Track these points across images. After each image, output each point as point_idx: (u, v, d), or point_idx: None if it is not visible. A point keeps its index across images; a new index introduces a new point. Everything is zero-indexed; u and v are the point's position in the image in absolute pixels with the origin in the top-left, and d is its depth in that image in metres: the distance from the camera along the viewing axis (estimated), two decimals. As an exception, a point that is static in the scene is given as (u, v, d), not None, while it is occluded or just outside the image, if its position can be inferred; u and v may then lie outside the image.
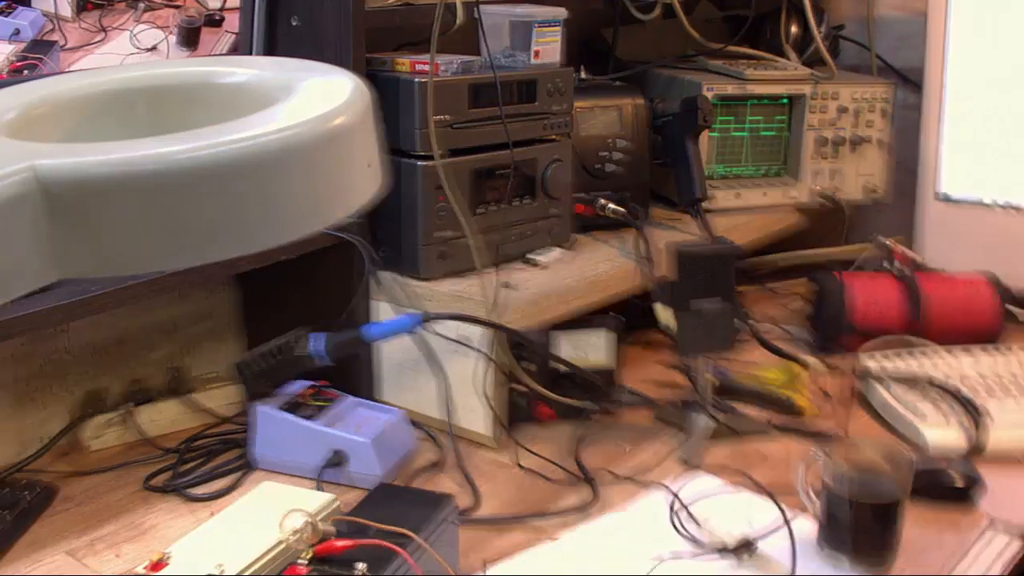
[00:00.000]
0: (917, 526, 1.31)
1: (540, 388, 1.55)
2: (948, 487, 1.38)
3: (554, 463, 1.48)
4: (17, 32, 1.32)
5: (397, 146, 1.52)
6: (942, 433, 1.51)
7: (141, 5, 1.43)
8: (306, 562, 1.01)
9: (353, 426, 1.44)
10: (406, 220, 1.56)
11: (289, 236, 0.73)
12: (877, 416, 1.64)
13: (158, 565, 1.01)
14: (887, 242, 1.97)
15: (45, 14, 1.34)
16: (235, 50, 1.54)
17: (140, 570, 1.00)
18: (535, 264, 1.66)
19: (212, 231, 0.69)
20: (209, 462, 1.49)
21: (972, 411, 1.53)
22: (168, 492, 1.41)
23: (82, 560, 1.26)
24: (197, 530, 1.09)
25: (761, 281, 2.16)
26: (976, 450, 1.48)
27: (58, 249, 0.66)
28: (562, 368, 1.57)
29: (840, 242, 2.11)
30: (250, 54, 1.53)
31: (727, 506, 1.35)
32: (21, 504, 1.34)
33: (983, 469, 1.41)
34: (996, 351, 1.72)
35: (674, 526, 1.29)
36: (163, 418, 1.56)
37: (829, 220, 2.13)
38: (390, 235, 1.58)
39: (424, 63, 1.50)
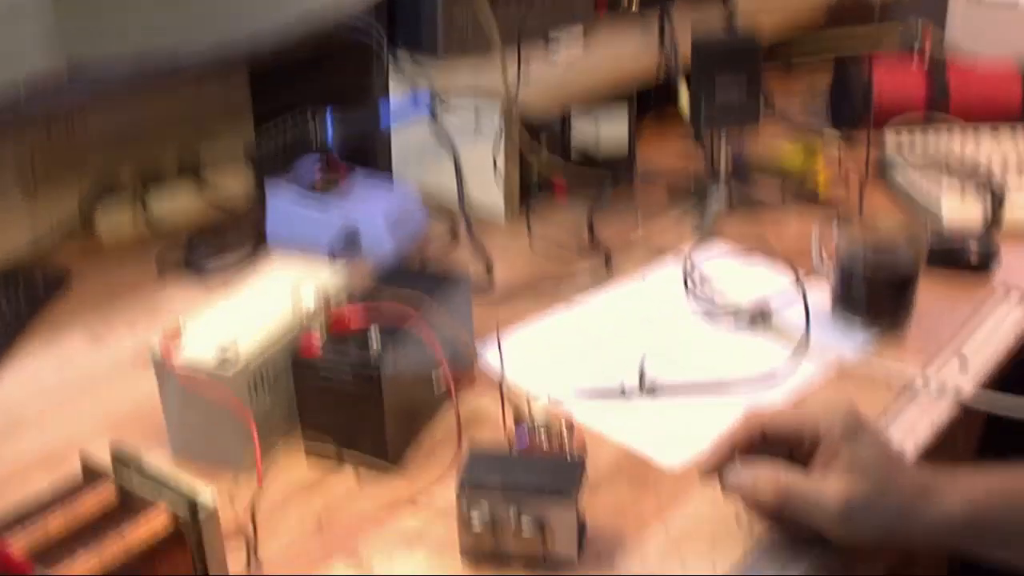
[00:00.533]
0: (931, 291, 1.31)
1: (555, 164, 1.53)
2: (963, 253, 1.37)
3: (568, 236, 1.47)
4: None
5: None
6: (959, 209, 1.50)
7: None
8: (320, 336, 1.01)
9: (365, 202, 1.43)
10: (425, -1, 1.53)
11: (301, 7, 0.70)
12: (894, 193, 1.62)
13: (172, 341, 1.01)
14: (918, 23, 1.92)
15: None
16: None
17: (154, 347, 1.01)
18: (556, 44, 1.63)
19: (221, 6, 0.67)
20: (222, 242, 1.48)
21: (991, 187, 1.51)
22: (182, 273, 1.41)
23: (98, 341, 1.27)
24: (210, 308, 1.09)
25: (786, 61, 2.12)
26: (993, 225, 1.47)
27: (63, 28, 0.64)
28: (578, 145, 1.55)
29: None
30: None
31: (741, 274, 1.35)
32: (36, 290, 1.35)
33: (999, 238, 1.40)
34: (1020, 131, 1.68)
35: (688, 291, 1.29)
36: (176, 200, 1.56)
37: (860, 5, 2.07)
38: (408, 16, 1.54)
39: None
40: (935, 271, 1.34)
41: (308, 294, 1.03)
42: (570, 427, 1.03)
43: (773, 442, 0.89)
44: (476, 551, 0.90)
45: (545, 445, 1.01)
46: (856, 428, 0.86)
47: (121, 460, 0.86)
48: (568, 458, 0.96)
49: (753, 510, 0.92)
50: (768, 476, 0.86)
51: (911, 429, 1.08)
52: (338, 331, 1.02)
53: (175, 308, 1.33)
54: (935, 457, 1.00)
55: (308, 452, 1.04)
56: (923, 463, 0.90)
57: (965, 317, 1.28)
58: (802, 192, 1.61)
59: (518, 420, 1.04)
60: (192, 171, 1.58)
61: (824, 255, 1.29)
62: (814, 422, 0.87)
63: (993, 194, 1.49)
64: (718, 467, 0.90)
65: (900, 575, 1.30)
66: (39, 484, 0.86)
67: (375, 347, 0.99)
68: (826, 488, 0.84)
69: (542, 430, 1.02)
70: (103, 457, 0.87)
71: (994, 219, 1.46)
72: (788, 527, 0.91)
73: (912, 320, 1.25)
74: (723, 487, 0.89)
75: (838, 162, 1.68)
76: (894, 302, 1.24)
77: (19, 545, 0.78)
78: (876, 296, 1.23)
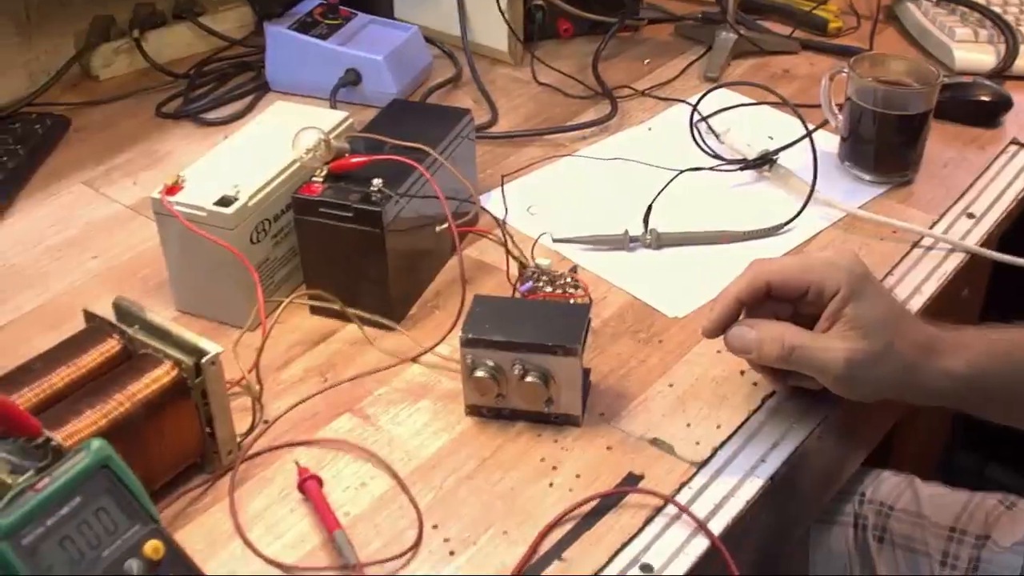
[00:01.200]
0: (940, 143, 1.29)
1: (560, 2, 1.50)
2: (974, 103, 1.35)
3: (573, 78, 1.45)
4: None
5: None
6: (972, 51, 1.47)
7: None
8: (321, 180, 1.00)
9: (367, 44, 1.41)
10: None
11: None
12: (907, 34, 1.59)
13: (173, 189, 1.00)
14: None
15: None
16: None
17: (155, 195, 0.99)
18: None
19: None
20: (222, 86, 1.46)
21: (1005, 30, 1.47)
22: (181, 118, 1.40)
23: (99, 189, 1.26)
24: (210, 153, 1.07)
25: None
26: (1005, 70, 1.44)
27: None
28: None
29: None
30: None
31: (748, 120, 1.33)
32: (34, 137, 1.33)
33: (1011, 89, 1.37)
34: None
35: (694, 140, 1.28)
36: (173, 43, 1.53)
37: None
38: None
39: None
40: (946, 124, 1.32)
41: (310, 139, 1.01)
42: (574, 275, 1.03)
43: (778, 295, 0.89)
44: (481, 407, 0.91)
45: (549, 293, 1.01)
46: (861, 283, 0.85)
47: (125, 315, 0.86)
48: (572, 306, 0.95)
49: (758, 371, 0.93)
50: (773, 335, 0.86)
51: (917, 283, 1.08)
52: (339, 172, 1.01)
53: (175, 155, 1.32)
54: (941, 313, 1.00)
55: (313, 312, 1.04)
56: (928, 320, 0.89)
57: (974, 166, 1.27)
58: (812, 33, 1.57)
59: (522, 268, 1.04)
60: (190, 13, 1.54)
61: (834, 104, 1.27)
62: (820, 276, 0.86)
63: (1006, 39, 1.46)
64: (724, 326, 0.89)
65: (904, 431, 1.32)
66: (43, 341, 0.87)
67: (377, 188, 0.97)
68: (830, 347, 0.84)
69: (546, 278, 1.02)
70: (106, 312, 0.87)
71: (1006, 64, 1.44)
72: (794, 386, 0.92)
73: (921, 172, 1.24)
74: (729, 348, 0.89)
75: (849, 2, 1.65)
76: (903, 144, 1.22)
77: (25, 403, 0.79)
78: (885, 138, 1.21)
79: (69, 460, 0.67)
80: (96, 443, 0.68)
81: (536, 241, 1.09)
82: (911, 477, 1.19)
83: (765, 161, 1.23)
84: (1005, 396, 0.89)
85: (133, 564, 0.65)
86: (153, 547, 0.67)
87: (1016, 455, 1.80)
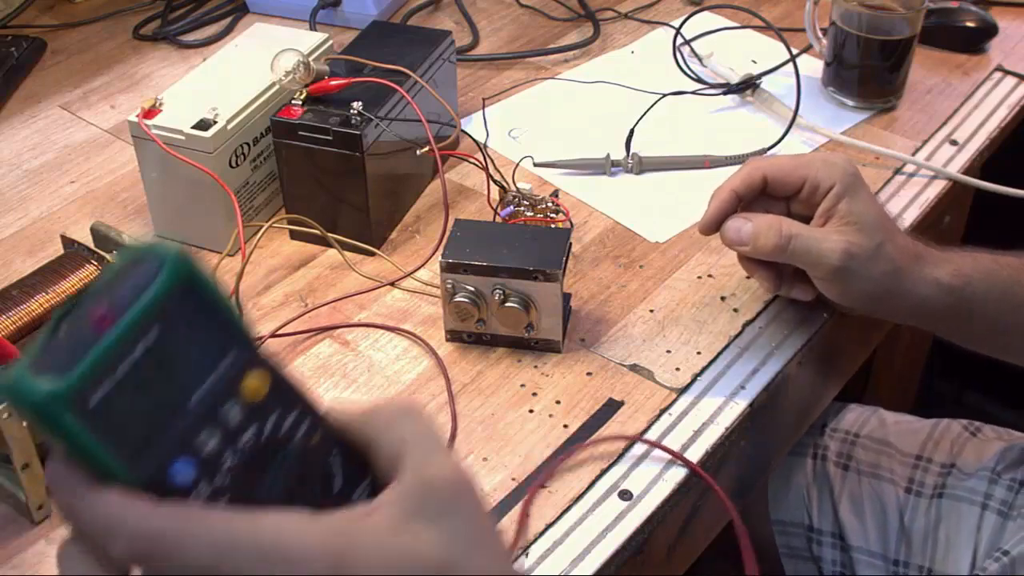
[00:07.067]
0: (924, 69, 1.29)
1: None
2: (959, 29, 1.34)
3: (556, 0, 1.43)
4: None
5: None
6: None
7: None
8: (300, 102, 0.99)
9: (346, -34, 1.39)
10: None
11: None
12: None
13: (150, 112, 0.98)
14: None
15: None
16: None
17: (132, 118, 0.98)
18: None
19: None
20: (200, 7, 1.44)
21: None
22: (159, 40, 1.38)
23: (76, 113, 1.24)
24: (189, 76, 1.06)
25: None
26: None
27: None
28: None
29: None
30: None
31: (732, 44, 1.32)
32: (10, 60, 1.30)
33: (996, 15, 1.36)
34: None
35: (677, 63, 1.27)
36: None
37: None
38: None
39: None
40: (931, 50, 1.32)
41: (289, 61, 1.00)
42: (555, 200, 1.02)
43: (773, 191, 0.89)
44: (461, 332, 0.91)
45: (530, 217, 1.00)
46: (855, 181, 0.86)
47: (102, 240, 0.86)
48: (553, 231, 0.95)
49: (753, 272, 0.92)
50: (771, 224, 0.85)
51: (899, 209, 1.08)
52: (318, 94, 1.00)
53: (153, 77, 1.30)
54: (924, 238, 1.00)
55: (293, 236, 1.04)
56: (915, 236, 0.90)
57: (958, 93, 1.26)
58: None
59: (503, 192, 1.03)
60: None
61: (818, 28, 1.26)
62: (815, 171, 0.87)
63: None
64: (720, 221, 0.88)
65: (881, 363, 1.32)
66: (23, 266, 0.86)
67: (357, 111, 0.97)
68: (826, 239, 0.84)
69: (527, 202, 1.02)
70: (85, 237, 0.86)
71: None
72: (786, 296, 0.93)
73: (905, 98, 1.23)
74: (725, 240, 0.88)
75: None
76: (887, 70, 1.21)
77: (3, 330, 0.78)
78: (869, 63, 1.20)
79: (130, 276, 0.43)
80: (171, 252, 0.43)
81: (517, 165, 1.08)
82: (875, 408, 1.19)
83: (748, 85, 1.22)
84: (987, 314, 0.89)
85: (231, 410, 0.45)
86: (255, 384, 0.46)
87: (991, 381, 1.81)
